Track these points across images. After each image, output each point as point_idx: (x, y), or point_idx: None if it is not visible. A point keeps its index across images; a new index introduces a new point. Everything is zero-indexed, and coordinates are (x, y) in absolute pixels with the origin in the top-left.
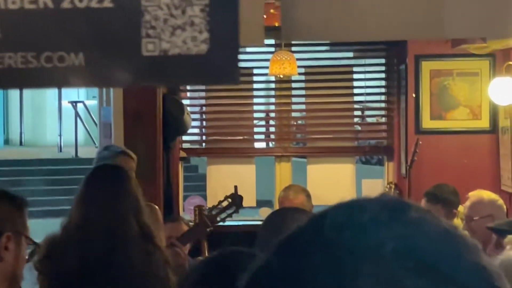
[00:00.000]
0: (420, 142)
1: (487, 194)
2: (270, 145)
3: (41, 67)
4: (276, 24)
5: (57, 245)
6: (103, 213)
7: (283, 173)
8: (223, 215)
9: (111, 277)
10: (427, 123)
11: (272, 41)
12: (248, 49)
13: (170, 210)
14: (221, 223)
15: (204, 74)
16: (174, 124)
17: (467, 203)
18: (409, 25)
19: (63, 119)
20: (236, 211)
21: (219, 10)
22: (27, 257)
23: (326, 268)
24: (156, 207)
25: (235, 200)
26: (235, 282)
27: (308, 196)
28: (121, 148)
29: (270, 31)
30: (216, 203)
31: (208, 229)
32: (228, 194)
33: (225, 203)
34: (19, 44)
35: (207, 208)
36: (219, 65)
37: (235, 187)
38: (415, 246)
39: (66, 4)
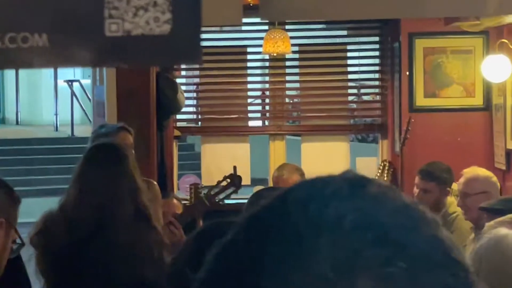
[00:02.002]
0: (413, 120)
1: (482, 171)
2: (265, 123)
3: (5, 48)
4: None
5: (51, 221)
6: (97, 192)
7: (278, 151)
8: (222, 195)
9: (99, 255)
10: (421, 101)
11: (266, 20)
12: (243, 28)
13: (164, 189)
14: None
15: (167, 55)
16: (167, 103)
17: (462, 180)
18: (396, 3)
19: (59, 98)
20: (235, 192)
21: None
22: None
23: (287, 241)
24: (155, 183)
25: (234, 181)
26: None
27: (302, 175)
28: (120, 124)
29: (253, 9)
30: (210, 182)
31: (205, 209)
32: (222, 172)
33: (224, 183)
34: None
35: (203, 186)
36: (182, 46)
37: (234, 167)
38: (374, 219)
39: None
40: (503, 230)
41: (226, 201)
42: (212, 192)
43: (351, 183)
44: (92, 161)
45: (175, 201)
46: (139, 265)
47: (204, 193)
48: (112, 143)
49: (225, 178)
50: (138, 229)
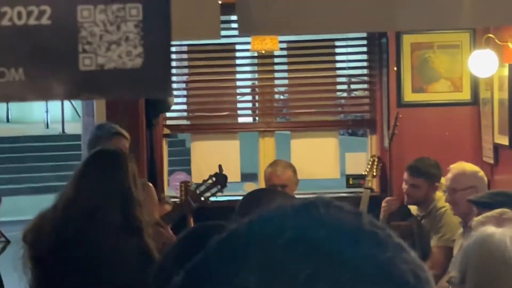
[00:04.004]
0: (400, 116)
1: (469, 166)
2: (254, 120)
3: None
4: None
5: (42, 219)
6: (87, 196)
7: (267, 148)
8: (207, 194)
9: (82, 257)
10: (409, 96)
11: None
12: (231, 25)
13: (155, 187)
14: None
15: (139, 87)
16: (156, 101)
17: (449, 175)
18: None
19: None
20: (220, 191)
21: (152, 25)
22: None
23: (226, 262)
24: (151, 185)
25: (219, 179)
26: None
27: (295, 171)
28: (115, 129)
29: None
30: (200, 179)
31: (192, 207)
32: (212, 170)
33: (209, 182)
34: None
35: (193, 183)
36: (153, 78)
37: (219, 166)
38: (311, 235)
39: (5, 22)
40: (490, 229)
41: (216, 199)
42: (198, 191)
43: (300, 206)
44: (91, 165)
45: (166, 206)
46: (122, 272)
47: (191, 191)
48: (115, 150)
49: (210, 177)
50: (124, 237)
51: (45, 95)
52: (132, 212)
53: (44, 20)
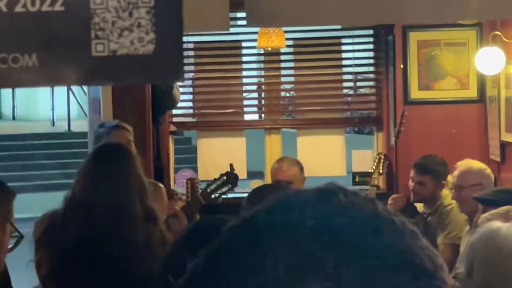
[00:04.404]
0: (406, 113)
1: (475, 163)
2: (261, 117)
3: None
4: None
5: (59, 220)
6: (109, 192)
7: (273, 145)
8: (217, 193)
9: (111, 256)
10: (415, 93)
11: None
12: (237, 22)
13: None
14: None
15: (150, 73)
16: (163, 98)
17: (456, 173)
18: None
19: (55, 93)
20: (231, 189)
21: (164, 11)
22: (10, 247)
23: (248, 248)
24: (161, 185)
25: (231, 178)
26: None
27: (301, 168)
28: (115, 122)
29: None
30: (206, 176)
31: (201, 205)
32: (218, 166)
33: (220, 181)
34: None
35: (199, 181)
36: (165, 64)
37: (231, 165)
38: (333, 224)
39: (19, 8)
40: (496, 223)
41: (223, 197)
42: (208, 190)
43: (319, 193)
44: (103, 159)
45: (179, 202)
46: (154, 263)
47: (200, 189)
48: (120, 144)
49: (221, 175)
50: (148, 230)
51: (58, 81)
52: (148, 202)
53: (57, 7)
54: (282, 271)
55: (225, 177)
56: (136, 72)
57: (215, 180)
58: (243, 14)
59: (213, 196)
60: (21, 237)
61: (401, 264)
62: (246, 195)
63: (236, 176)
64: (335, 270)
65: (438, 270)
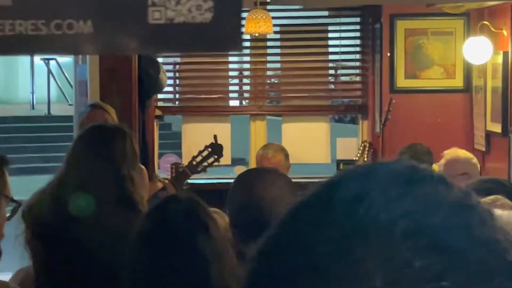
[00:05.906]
0: (394, 101)
1: (462, 153)
2: (245, 103)
3: (51, 34)
4: None
5: (40, 197)
6: (80, 172)
7: (258, 131)
8: (204, 164)
9: (83, 235)
10: (402, 82)
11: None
12: None
13: (147, 168)
14: (197, 178)
15: (208, 42)
16: (150, 82)
17: (442, 161)
18: None
19: (35, 76)
20: (217, 160)
21: None
22: (8, 215)
23: (335, 248)
24: (142, 167)
25: (216, 149)
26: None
27: (287, 155)
28: (91, 102)
29: None
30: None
31: (188, 178)
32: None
33: (205, 153)
34: (29, 12)
35: (183, 165)
36: (223, 33)
37: (215, 136)
38: (426, 223)
39: None
40: (497, 211)
41: (204, 181)
42: (194, 162)
43: (401, 180)
44: (82, 141)
45: (159, 183)
46: (122, 249)
47: (185, 165)
48: (108, 125)
49: (206, 147)
50: (123, 214)
51: (113, 48)
52: (127, 187)
53: None
54: (379, 283)
55: (209, 148)
56: (192, 41)
57: (200, 152)
58: None
59: (199, 168)
60: (18, 205)
61: (499, 265)
62: (229, 181)
63: (221, 147)
64: (436, 283)
65: None
